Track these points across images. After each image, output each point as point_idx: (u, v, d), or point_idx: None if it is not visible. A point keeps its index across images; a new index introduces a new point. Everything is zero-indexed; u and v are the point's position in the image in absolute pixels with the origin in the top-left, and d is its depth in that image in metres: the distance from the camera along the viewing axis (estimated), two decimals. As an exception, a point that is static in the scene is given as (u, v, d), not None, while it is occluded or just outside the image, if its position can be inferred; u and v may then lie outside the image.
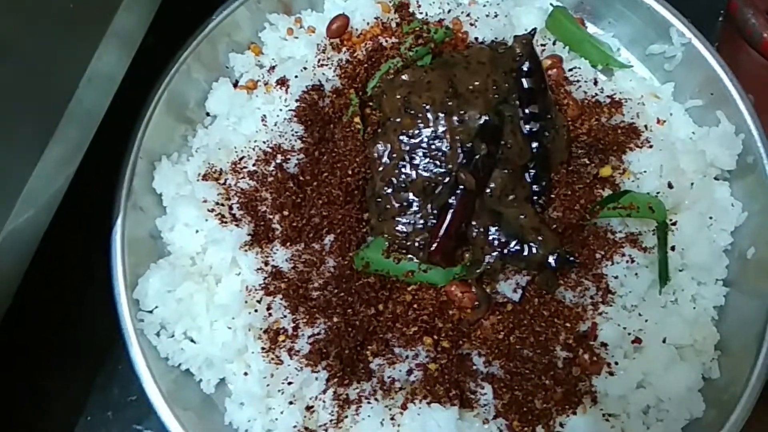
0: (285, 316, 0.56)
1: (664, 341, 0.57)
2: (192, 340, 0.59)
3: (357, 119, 0.59)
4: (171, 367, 0.59)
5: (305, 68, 0.62)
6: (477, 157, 0.54)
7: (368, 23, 0.65)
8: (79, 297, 0.65)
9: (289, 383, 0.55)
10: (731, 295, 0.60)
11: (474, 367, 0.56)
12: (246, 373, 0.57)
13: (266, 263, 0.57)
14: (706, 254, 0.60)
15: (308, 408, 0.56)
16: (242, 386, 0.57)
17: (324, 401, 0.56)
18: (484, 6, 0.64)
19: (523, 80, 0.57)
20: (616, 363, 0.56)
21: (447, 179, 0.55)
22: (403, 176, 0.56)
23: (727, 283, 0.61)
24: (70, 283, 0.65)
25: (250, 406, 0.57)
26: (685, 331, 0.58)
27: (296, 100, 0.60)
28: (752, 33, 1.08)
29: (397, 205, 0.56)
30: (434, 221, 0.55)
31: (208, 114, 0.67)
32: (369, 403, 0.54)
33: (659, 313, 0.58)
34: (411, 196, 0.56)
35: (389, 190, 0.56)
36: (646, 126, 0.62)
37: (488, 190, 0.57)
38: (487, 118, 0.55)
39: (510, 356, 0.56)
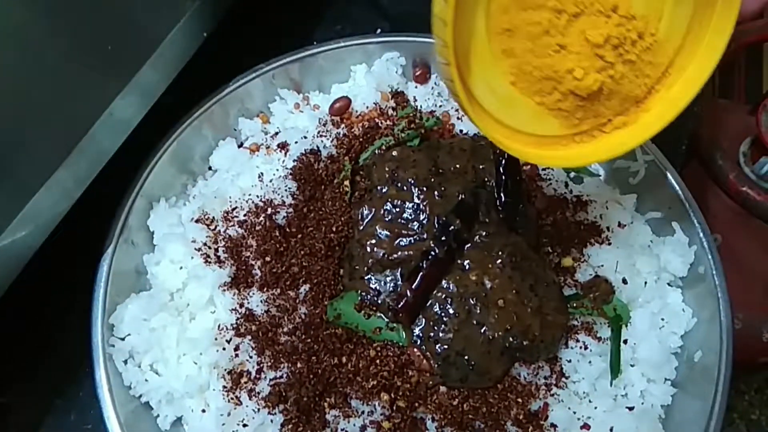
0: (251, 358, 0.59)
1: (611, 431, 0.59)
2: (157, 373, 0.60)
3: (347, 183, 0.65)
4: (132, 397, 0.60)
5: (305, 137, 0.69)
6: (450, 229, 0.59)
7: (367, 107, 0.72)
8: (56, 320, 0.66)
9: (245, 425, 0.57)
10: (678, 395, 0.63)
11: (427, 432, 0.57)
12: (204, 410, 0.58)
13: (241, 305, 0.60)
14: (656, 352, 0.63)
15: (260, 456, 0.57)
16: (198, 423, 0.58)
17: (276, 449, 0.57)
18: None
19: (501, 170, 0.63)
20: (564, 446, 0.58)
21: (421, 247, 0.60)
22: (380, 239, 0.61)
23: (675, 384, 0.64)
24: (50, 305, 0.67)
25: (202, 447, 0.58)
26: (632, 425, 0.60)
27: (293, 161, 0.66)
28: (719, 174, 1.17)
29: (371, 264, 0.60)
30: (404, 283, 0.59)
31: (210, 168, 0.73)
32: (320, 453, 0.56)
33: (609, 404, 0.61)
34: (386, 258, 0.60)
35: (367, 250, 0.60)
36: (608, 227, 0.67)
37: (465, 266, 0.60)
38: (463, 196, 0.61)
39: (462, 425, 0.57)
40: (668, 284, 0.67)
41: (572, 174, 0.72)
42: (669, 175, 0.70)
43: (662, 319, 0.65)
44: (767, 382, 1.90)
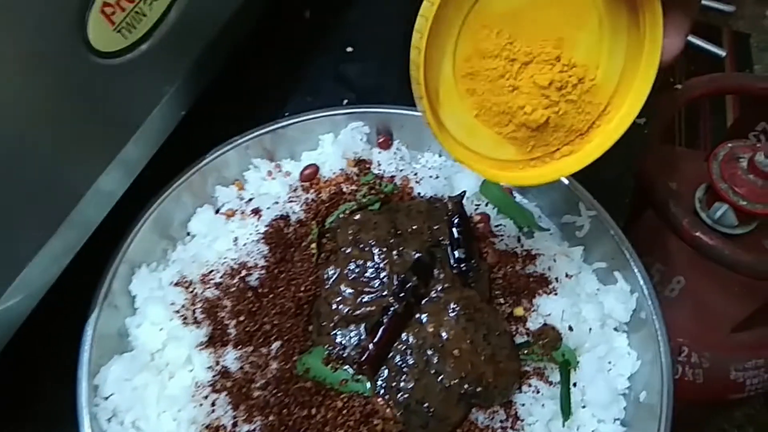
0: (226, 413, 0.63)
1: (564, 469, 0.64)
2: (139, 430, 0.64)
3: (314, 246, 0.70)
4: (115, 455, 0.63)
5: (277, 202, 0.75)
6: (408, 286, 0.65)
7: (334, 173, 0.79)
8: (42, 381, 0.70)
9: (221, 478, 0.60)
10: (626, 434, 0.68)
11: (392, 478, 0.61)
12: (183, 465, 0.62)
13: (217, 363, 0.65)
14: (604, 394, 0.68)
15: (235, 507, 0.61)
16: (177, 477, 0.61)
17: (251, 500, 0.60)
18: (430, 168, 0.79)
19: (453, 230, 0.69)
20: (521, 486, 0.63)
21: (382, 303, 0.65)
22: (345, 297, 0.66)
23: (624, 423, 0.68)
24: (37, 368, 0.71)
25: (181, 500, 0.61)
26: (584, 463, 0.65)
27: (265, 226, 0.72)
28: (673, 220, 1.24)
29: (337, 320, 0.65)
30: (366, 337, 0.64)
31: (188, 233, 0.78)
32: (292, 501, 0.59)
33: (562, 444, 0.65)
34: (350, 314, 0.65)
35: (333, 307, 0.66)
36: (556, 278, 0.73)
37: (423, 319, 0.66)
38: (420, 255, 0.67)
39: (425, 469, 0.62)
40: (614, 329, 0.73)
41: (525, 229, 0.78)
42: (610, 228, 0.77)
43: (609, 363, 0.70)
44: (748, 419, 1.93)
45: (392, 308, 0.64)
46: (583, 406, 0.68)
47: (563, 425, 0.66)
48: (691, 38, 1.07)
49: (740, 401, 1.58)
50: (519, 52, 0.53)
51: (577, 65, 0.55)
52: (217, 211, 0.79)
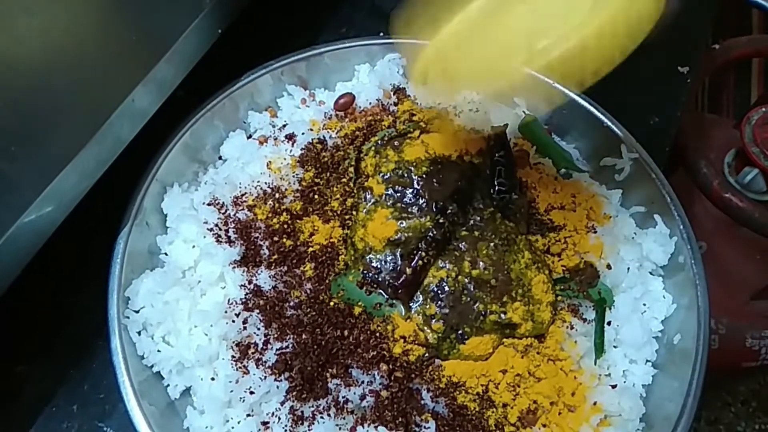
0: (259, 330, 0.62)
1: (594, 404, 0.63)
2: (169, 344, 0.64)
3: (351, 170, 0.69)
4: (144, 366, 0.63)
5: (311, 129, 0.73)
6: (447, 213, 0.64)
7: (370, 103, 0.77)
8: (72, 296, 0.70)
9: (251, 392, 0.60)
10: (658, 375, 0.67)
11: (422, 402, 0.61)
12: (213, 378, 0.61)
13: (250, 281, 0.64)
14: (638, 335, 0.67)
15: (264, 423, 0.60)
16: (207, 391, 0.61)
17: (280, 417, 0.60)
18: (469, 102, 0.77)
19: (496, 160, 0.67)
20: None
21: (420, 229, 0.64)
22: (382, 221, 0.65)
23: (655, 365, 0.68)
24: (68, 281, 0.70)
25: (210, 414, 0.61)
26: (614, 400, 0.64)
27: (301, 149, 0.71)
28: (704, 181, 1.23)
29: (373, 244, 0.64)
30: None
31: (220, 158, 0.77)
32: (322, 418, 0.59)
33: (593, 381, 0.65)
34: (387, 238, 0.64)
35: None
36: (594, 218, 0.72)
37: (461, 247, 0.65)
38: (459, 184, 0.65)
39: (455, 396, 0.61)
40: (650, 273, 0.72)
41: (561, 171, 0.77)
42: (652, 172, 0.75)
43: (644, 305, 0.69)
44: (753, 394, 1.93)
45: (430, 235, 0.63)
46: (615, 346, 0.67)
47: (595, 363, 0.66)
48: (745, -8, 1.05)
49: (747, 374, 1.58)
50: None
51: None
52: (249, 137, 0.77)
